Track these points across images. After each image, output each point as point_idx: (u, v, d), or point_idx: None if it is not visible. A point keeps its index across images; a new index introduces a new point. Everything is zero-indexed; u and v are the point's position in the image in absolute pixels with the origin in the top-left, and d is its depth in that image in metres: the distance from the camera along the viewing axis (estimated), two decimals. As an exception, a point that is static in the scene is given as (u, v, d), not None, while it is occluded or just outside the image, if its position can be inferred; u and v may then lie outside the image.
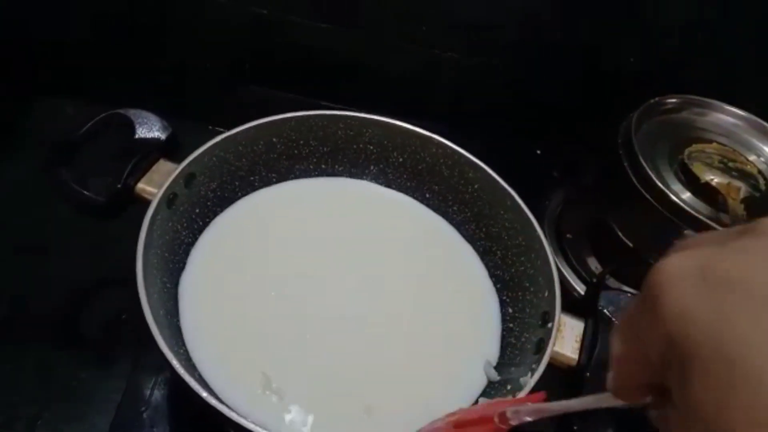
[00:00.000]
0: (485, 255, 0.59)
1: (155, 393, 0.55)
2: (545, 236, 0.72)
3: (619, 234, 0.66)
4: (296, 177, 0.61)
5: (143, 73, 0.75)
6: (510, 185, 0.57)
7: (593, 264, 0.73)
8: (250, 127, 0.54)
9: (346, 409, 0.48)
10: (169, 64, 0.77)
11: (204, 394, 0.38)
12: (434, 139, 0.59)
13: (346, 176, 0.62)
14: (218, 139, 0.52)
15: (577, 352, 0.47)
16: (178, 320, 0.49)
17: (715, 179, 0.60)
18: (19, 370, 0.56)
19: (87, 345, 0.60)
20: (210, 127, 0.74)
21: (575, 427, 0.59)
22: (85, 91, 0.68)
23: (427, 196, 0.63)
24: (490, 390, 0.50)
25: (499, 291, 0.57)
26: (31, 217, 0.64)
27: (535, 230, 0.53)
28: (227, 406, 0.39)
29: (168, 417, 0.54)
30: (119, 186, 0.48)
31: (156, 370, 0.56)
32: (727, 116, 0.66)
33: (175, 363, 0.39)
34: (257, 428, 0.37)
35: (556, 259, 0.71)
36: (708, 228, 0.57)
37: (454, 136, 0.60)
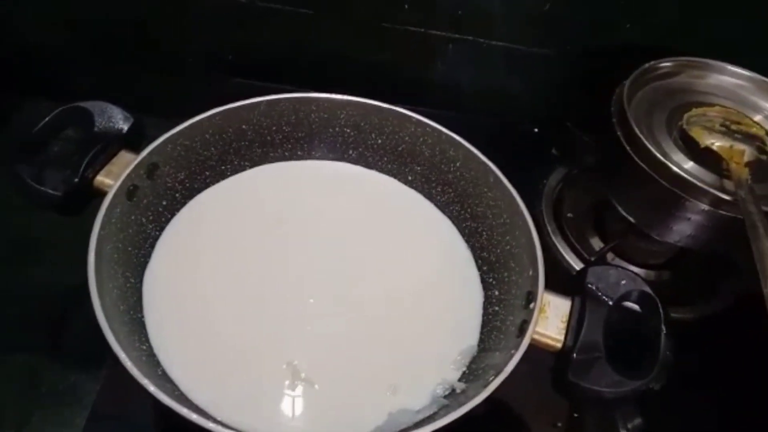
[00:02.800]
0: (471, 237, 0.56)
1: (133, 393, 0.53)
2: (543, 211, 0.70)
3: (620, 210, 0.62)
4: (271, 163, 0.59)
5: (121, 69, 0.74)
6: (506, 165, 0.54)
7: (596, 243, 0.69)
8: (215, 114, 0.52)
9: (328, 401, 0.46)
10: (149, 59, 0.76)
11: (152, 389, 0.36)
12: (412, 117, 0.56)
13: (324, 160, 0.60)
14: (180, 127, 0.51)
15: (563, 333, 0.44)
16: (142, 316, 0.47)
17: (716, 143, 0.56)
18: (6, 374, 0.55)
19: (75, 348, 0.59)
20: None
21: (576, 415, 0.56)
22: (62, 89, 0.67)
23: (410, 178, 0.60)
24: (471, 376, 0.47)
25: (485, 274, 0.54)
26: (11, 220, 0.64)
27: (518, 206, 0.50)
28: (192, 402, 0.37)
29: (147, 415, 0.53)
30: (76, 180, 0.47)
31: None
32: (729, 77, 0.62)
33: (122, 356, 0.37)
34: (207, 423, 0.35)
35: (555, 239, 0.68)
36: (712, 197, 0.53)
37: (450, 119, 0.57)
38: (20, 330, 0.58)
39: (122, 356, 0.37)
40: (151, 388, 0.36)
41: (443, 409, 0.44)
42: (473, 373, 0.47)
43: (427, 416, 0.44)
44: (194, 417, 0.35)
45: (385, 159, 0.60)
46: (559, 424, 0.56)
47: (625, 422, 0.57)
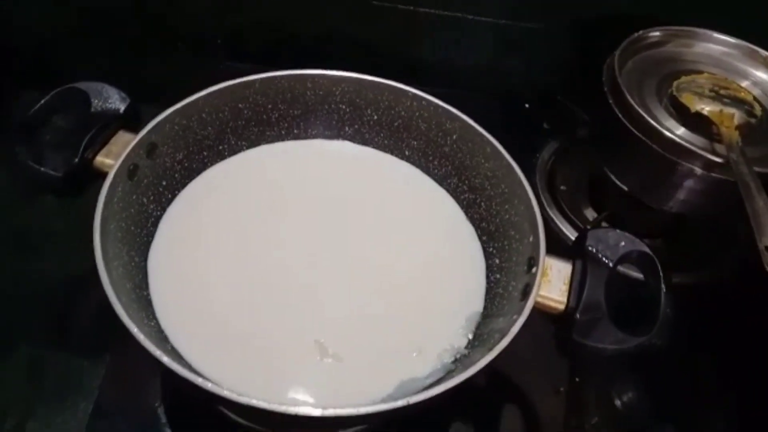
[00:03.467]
0: (470, 208, 0.57)
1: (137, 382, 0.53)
2: (537, 184, 0.71)
3: (614, 179, 0.63)
4: (268, 143, 0.59)
5: (113, 54, 0.73)
6: (499, 140, 0.54)
7: (591, 214, 0.70)
8: (211, 92, 0.52)
9: (331, 371, 0.46)
10: (140, 44, 0.76)
11: (165, 359, 0.36)
12: (408, 91, 0.57)
13: (321, 138, 0.60)
14: (177, 106, 0.50)
15: (566, 295, 0.45)
16: (148, 294, 0.47)
17: (706, 108, 0.57)
18: (10, 365, 0.55)
19: (78, 338, 0.58)
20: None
21: (577, 379, 0.57)
22: (56, 74, 0.66)
23: (407, 153, 0.60)
24: (476, 342, 0.47)
25: (485, 243, 0.55)
26: (11, 210, 0.63)
27: (516, 175, 0.51)
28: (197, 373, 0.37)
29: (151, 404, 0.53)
30: (77, 160, 0.46)
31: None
32: (716, 45, 0.63)
33: (135, 330, 0.37)
34: (216, 388, 0.36)
35: (550, 212, 0.69)
36: (705, 160, 0.54)
37: (442, 96, 0.57)
38: (23, 321, 0.57)
39: (134, 330, 0.37)
40: (165, 359, 0.36)
41: (449, 374, 0.45)
42: (478, 338, 0.48)
43: (434, 381, 0.45)
44: (210, 386, 0.36)
45: (382, 135, 0.60)
46: (562, 389, 0.57)
47: (618, 393, 0.58)
